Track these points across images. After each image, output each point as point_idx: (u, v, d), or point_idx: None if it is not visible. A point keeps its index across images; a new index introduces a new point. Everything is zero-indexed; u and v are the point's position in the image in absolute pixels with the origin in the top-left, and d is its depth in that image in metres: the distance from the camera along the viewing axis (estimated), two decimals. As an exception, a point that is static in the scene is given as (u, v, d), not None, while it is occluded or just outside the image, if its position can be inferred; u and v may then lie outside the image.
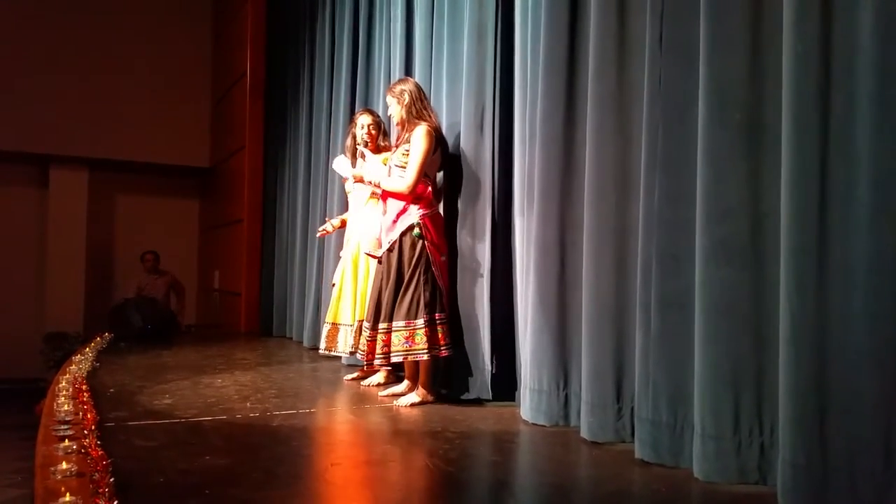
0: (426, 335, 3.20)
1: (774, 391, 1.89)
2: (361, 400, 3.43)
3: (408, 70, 4.21)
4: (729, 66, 2.07)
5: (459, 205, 3.44)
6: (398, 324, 3.23)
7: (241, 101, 7.50)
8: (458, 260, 3.41)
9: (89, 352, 4.82)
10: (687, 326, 2.14)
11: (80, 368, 4.01)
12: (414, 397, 3.27)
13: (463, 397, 3.31)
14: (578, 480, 2.28)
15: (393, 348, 3.23)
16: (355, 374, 3.97)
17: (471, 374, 3.31)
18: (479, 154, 3.37)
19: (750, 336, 2.01)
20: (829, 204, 1.75)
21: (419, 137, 3.32)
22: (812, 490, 1.72)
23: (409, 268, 3.27)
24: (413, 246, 3.29)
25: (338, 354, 4.17)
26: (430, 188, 3.42)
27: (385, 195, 3.43)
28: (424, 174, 3.33)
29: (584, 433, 2.56)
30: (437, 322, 3.26)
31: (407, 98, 3.40)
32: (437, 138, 3.38)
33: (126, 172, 9.23)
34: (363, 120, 3.98)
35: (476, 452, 2.55)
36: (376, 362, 3.34)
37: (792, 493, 1.76)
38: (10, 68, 8.15)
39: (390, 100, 3.47)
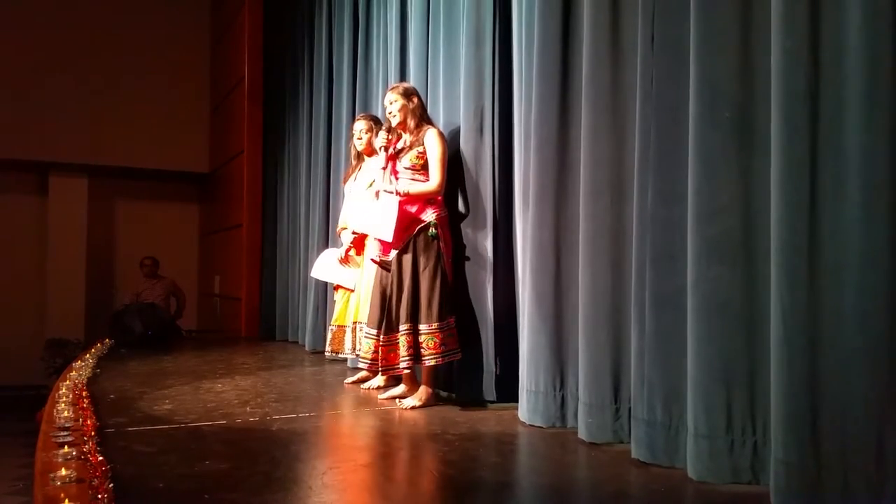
0: (455, 335, 3.24)
1: (767, 390, 1.89)
2: (362, 403, 3.44)
3: (404, 73, 4.23)
4: (719, 65, 2.08)
5: (461, 207, 3.45)
6: (430, 326, 3.20)
7: (240, 106, 7.52)
8: (460, 262, 3.43)
9: (90, 358, 4.84)
10: (681, 325, 2.14)
11: (80, 375, 4.02)
12: (417, 399, 3.27)
13: (467, 399, 3.31)
14: (576, 482, 2.29)
15: (426, 351, 3.20)
16: (356, 378, 3.99)
17: (474, 376, 3.32)
18: (480, 157, 3.38)
19: (743, 334, 2.02)
20: (820, 202, 1.76)
21: (435, 139, 3.34)
22: (804, 489, 1.73)
23: (427, 269, 3.25)
24: (428, 247, 3.28)
25: (344, 357, 4.22)
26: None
27: (411, 200, 3.31)
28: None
29: (581, 434, 2.57)
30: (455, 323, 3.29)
31: (416, 101, 3.43)
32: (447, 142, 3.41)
33: (125, 179, 9.26)
34: (357, 127, 4.06)
35: (475, 454, 2.56)
36: (402, 365, 3.26)
37: (784, 492, 1.77)
38: (9, 76, 8.17)
39: (394, 97, 3.41)
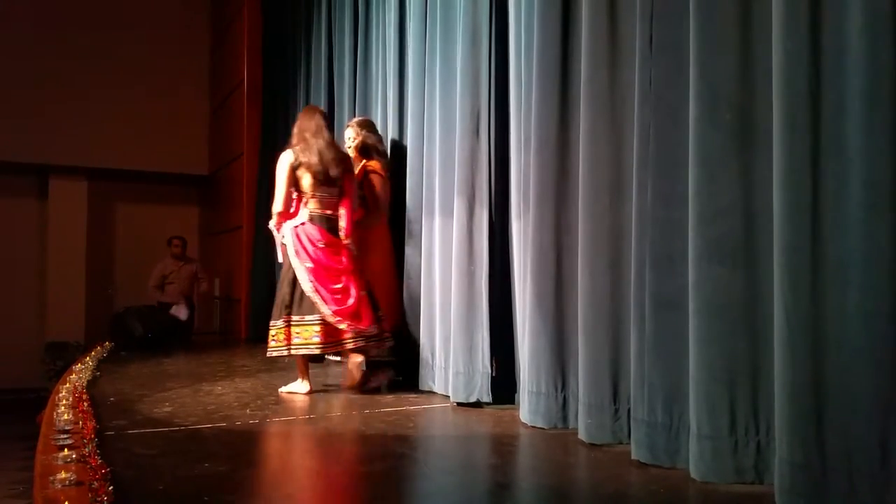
0: (285, 334, 3.61)
1: (770, 390, 1.89)
2: (361, 405, 3.43)
3: (403, 75, 4.23)
4: (719, 66, 2.08)
5: (456, 209, 3.44)
6: (272, 323, 3.71)
7: (239, 108, 7.53)
8: (456, 263, 3.42)
9: (90, 361, 4.83)
10: (682, 326, 2.14)
11: (80, 377, 4.01)
12: (292, 387, 3.69)
13: (463, 401, 3.31)
14: (576, 483, 2.29)
15: (270, 343, 3.71)
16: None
17: (470, 378, 3.31)
18: (476, 158, 3.38)
19: (744, 335, 2.01)
20: (822, 202, 1.75)
21: (278, 163, 3.76)
22: (810, 489, 1.72)
23: (280, 275, 3.77)
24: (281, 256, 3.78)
25: (333, 358, 4.23)
26: (298, 203, 3.74)
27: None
28: (297, 191, 3.72)
29: (581, 435, 2.56)
30: (293, 323, 3.61)
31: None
32: (291, 161, 3.70)
33: (125, 181, 9.25)
34: (346, 134, 4.18)
35: (475, 456, 2.56)
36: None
37: (789, 492, 1.76)
38: (9, 79, 8.17)
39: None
